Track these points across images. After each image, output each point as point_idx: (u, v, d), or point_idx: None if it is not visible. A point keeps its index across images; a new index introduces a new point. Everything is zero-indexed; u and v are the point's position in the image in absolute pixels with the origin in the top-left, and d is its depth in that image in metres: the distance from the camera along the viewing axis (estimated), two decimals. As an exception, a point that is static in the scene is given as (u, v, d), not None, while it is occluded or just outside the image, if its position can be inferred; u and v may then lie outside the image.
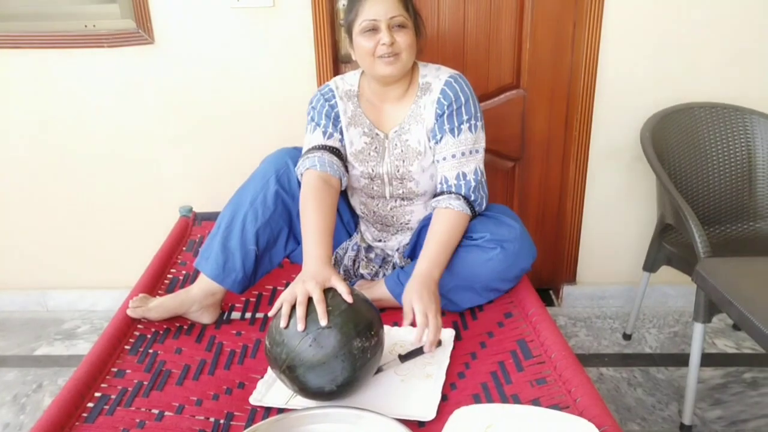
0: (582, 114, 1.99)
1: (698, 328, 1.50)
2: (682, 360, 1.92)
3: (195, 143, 2.08)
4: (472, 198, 1.37)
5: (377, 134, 1.43)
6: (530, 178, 2.17)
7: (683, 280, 1.79)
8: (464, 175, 1.37)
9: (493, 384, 1.14)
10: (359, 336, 1.06)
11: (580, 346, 2.02)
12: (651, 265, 1.90)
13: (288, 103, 1.98)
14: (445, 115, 1.37)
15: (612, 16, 1.87)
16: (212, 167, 2.09)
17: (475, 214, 1.38)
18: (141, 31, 1.93)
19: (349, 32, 1.36)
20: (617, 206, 2.11)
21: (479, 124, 1.39)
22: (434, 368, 1.21)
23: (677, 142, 1.85)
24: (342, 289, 1.11)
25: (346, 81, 1.47)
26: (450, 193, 1.37)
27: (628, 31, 1.89)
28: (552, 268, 2.28)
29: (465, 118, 1.37)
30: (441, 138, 1.38)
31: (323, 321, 1.05)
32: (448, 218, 1.34)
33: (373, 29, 1.30)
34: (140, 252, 1.85)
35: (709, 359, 1.92)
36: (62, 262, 2.27)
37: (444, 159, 1.38)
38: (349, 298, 1.09)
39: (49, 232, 2.22)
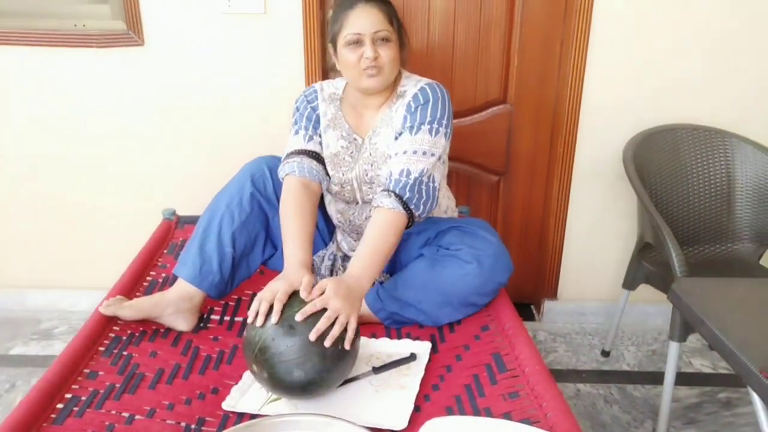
0: (567, 131, 2.01)
1: (673, 346, 1.51)
2: (659, 378, 1.92)
3: (181, 146, 2.08)
4: (407, 196, 1.29)
5: (355, 139, 1.44)
6: (514, 192, 2.19)
7: (663, 299, 1.80)
8: (408, 172, 1.31)
9: (466, 397, 1.14)
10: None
11: (559, 362, 2.03)
12: (630, 282, 1.92)
13: (275, 110, 1.99)
14: (410, 115, 1.37)
15: (598, 37, 1.90)
16: (198, 171, 2.08)
17: (411, 215, 1.30)
18: (131, 33, 1.93)
19: (334, 43, 1.38)
20: (600, 224, 2.14)
21: (443, 130, 1.36)
22: (408, 380, 1.21)
23: (659, 162, 1.88)
24: (303, 289, 1.13)
25: (332, 84, 1.49)
26: (387, 190, 1.31)
27: (613, 51, 1.92)
28: (534, 283, 2.30)
29: (428, 119, 1.35)
30: (400, 134, 1.37)
31: (274, 318, 1.08)
32: (379, 218, 1.28)
33: (357, 42, 1.32)
34: (123, 253, 1.83)
35: (685, 378, 1.94)
36: (43, 261, 2.25)
37: (396, 155, 1.34)
38: (304, 294, 1.12)
39: (31, 230, 2.20)
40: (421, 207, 1.32)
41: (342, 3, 1.35)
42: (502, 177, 2.17)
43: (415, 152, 1.33)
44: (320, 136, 1.44)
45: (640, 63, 1.93)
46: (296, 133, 1.46)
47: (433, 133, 1.35)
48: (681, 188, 1.88)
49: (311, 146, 1.43)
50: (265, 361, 1.08)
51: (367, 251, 1.24)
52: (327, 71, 2.02)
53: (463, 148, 2.06)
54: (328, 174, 1.45)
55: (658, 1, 1.87)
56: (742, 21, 1.89)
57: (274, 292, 1.12)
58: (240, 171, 1.50)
